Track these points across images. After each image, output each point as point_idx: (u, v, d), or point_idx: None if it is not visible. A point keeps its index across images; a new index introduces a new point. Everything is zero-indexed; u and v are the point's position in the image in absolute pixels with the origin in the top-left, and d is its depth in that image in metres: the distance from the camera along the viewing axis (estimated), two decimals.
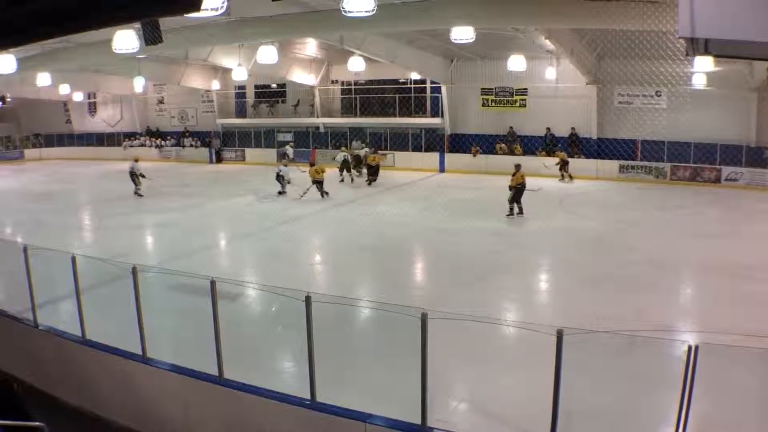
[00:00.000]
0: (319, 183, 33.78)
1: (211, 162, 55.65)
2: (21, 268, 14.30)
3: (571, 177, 39.87)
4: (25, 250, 14.40)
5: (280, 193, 36.26)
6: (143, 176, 37.92)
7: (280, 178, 36.21)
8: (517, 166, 28.46)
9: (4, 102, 56.81)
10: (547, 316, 16.16)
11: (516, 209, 28.21)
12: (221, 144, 57.31)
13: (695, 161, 38.25)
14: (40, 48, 33.59)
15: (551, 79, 41.40)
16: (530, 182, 29.54)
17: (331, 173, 38.15)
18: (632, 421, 10.92)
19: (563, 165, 39.87)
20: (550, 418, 8.87)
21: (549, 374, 8.78)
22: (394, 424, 9.81)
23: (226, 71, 49.05)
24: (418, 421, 9.59)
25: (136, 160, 38.90)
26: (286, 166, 37.13)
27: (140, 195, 37.71)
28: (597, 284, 19.11)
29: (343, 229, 27.74)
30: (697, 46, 6.31)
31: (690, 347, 8.20)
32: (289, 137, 53.28)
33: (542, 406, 8.95)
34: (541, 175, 37.87)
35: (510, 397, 11.98)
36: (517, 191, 28.04)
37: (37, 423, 9.19)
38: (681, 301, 18.49)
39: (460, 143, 46.92)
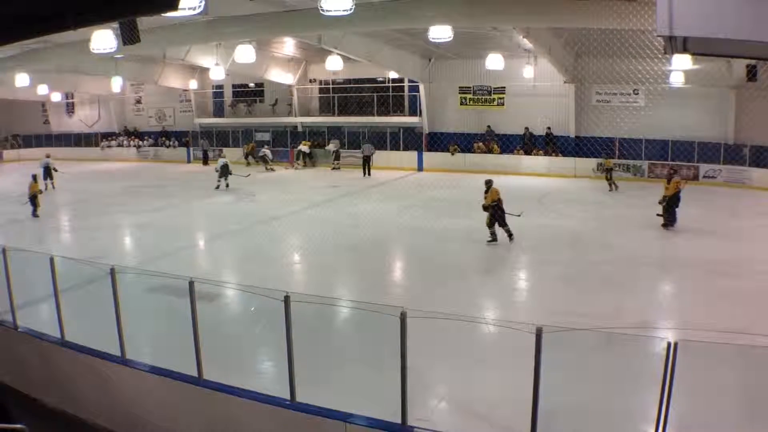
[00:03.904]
0: (33, 197, 32.62)
1: (188, 161, 55.43)
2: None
3: (616, 185, 36.91)
4: (3, 251, 14.32)
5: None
6: (56, 170, 41.34)
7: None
8: (488, 183, 24.93)
9: None
10: (526, 314, 16.14)
11: (504, 233, 24.43)
12: (210, 144, 56.26)
13: (673, 159, 38.36)
14: (19, 48, 33.43)
15: (529, 78, 41.48)
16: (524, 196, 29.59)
17: None
18: (613, 418, 10.93)
19: (609, 172, 37.32)
20: (530, 417, 8.88)
21: (529, 372, 8.78)
22: (375, 423, 9.80)
23: (204, 71, 49.09)
24: (399, 421, 9.59)
25: (48, 156, 43.75)
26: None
27: (53, 188, 40.80)
28: (576, 282, 19.21)
29: (322, 229, 27.60)
30: (676, 44, 6.33)
31: (669, 344, 8.21)
32: (267, 137, 53.44)
33: (522, 405, 8.95)
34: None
35: (490, 396, 11.98)
36: (494, 211, 24.44)
37: (18, 425, 9.14)
38: (660, 299, 18.55)
39: (439, 142, 46.94)
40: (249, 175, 41.65)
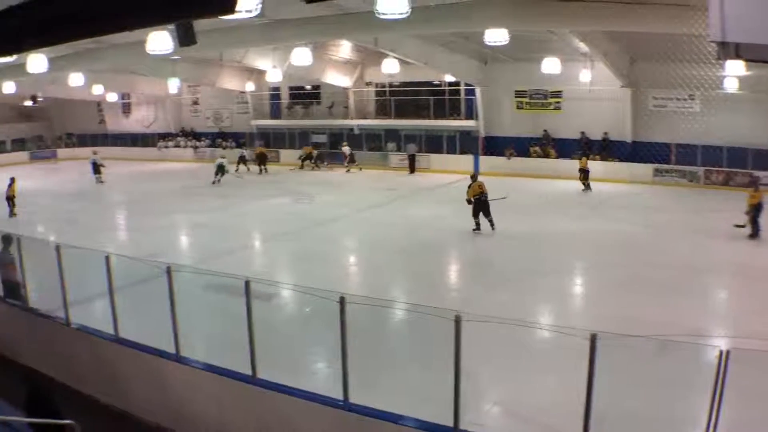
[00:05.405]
0: (10, 198, 32.67)
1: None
2: (53, 266, 14.38)
3: (588, 187, 37.72)
4: (57, 248, 14.47)
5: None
6: (103, 166, 44.98)
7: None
8: (473, 177, 27.33)
9: (34, 101, 57.05)
10: (580, 319, 16.15)
11: (487, 223, 26.54)
12: (252, 144, 55.96)
13: (728, 165, 37.87)
14: (72, 48, 33.71)
15: (585, 82, 40.98)
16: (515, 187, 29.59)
17: None
18: (663, 425, 10.89)
19: (584, 173, 38.03)
20: (582, 422, 8.84)
21: (581, 378, 8.73)
22: (426, 425, 9.79)
23: (261, 73, 49.20)
24: (450, 423, 9.58)
25: (95, 153, 47.72)
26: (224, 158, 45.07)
27: (102, 182, 44.50)
28: (630, 287, 19.03)
29: (377, 231, 27.79)
30: (728, 50, 6.29)
31: (721, 352, 8.13)
32: (323, 138, 53.90)
33: (574, 410, 8.91)
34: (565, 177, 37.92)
35: (542, 401, 11.97)
36: (477, 204, 26.58)
37: (67, 421, 9.24)
38: (715, 306, 18.41)
39: (495, 146, 46.75)
40: (241, 176, 46.50)
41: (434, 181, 42.57)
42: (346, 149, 49.73)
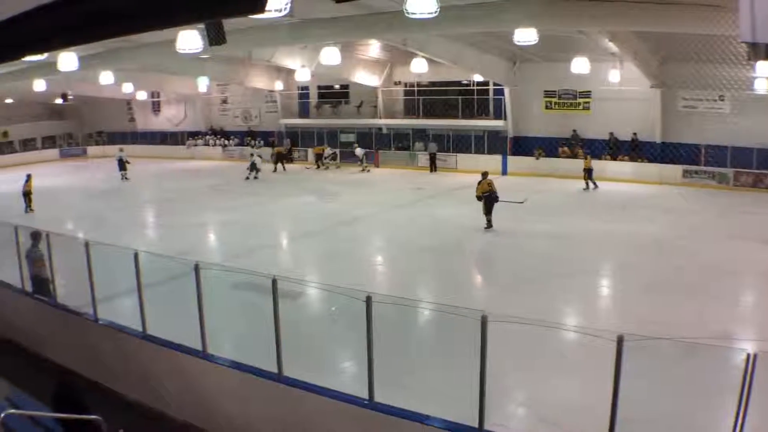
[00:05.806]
0: (26, 194, 33.28)
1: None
2: (82, 263, 14.45)
3: (592, 185, 38.60)
4: (86, 245, 14.53)
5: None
6: (128, 162, 45.86)
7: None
8: (484, 174, 27.56)
9: (65, 99, 57.19)
10: (606, 320, 16.07)
11: (486, 221, 27.06)
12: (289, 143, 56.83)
13: (758, 167, 37.54)
14: (102, 47, 33.85)
15: (615, 82, 40.68)
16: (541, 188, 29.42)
17: None
18: (689, 429, 10.83)
19: (588, 172, 38.60)
20: (608, 425, 8.79)
21: (607, 380, 8.69)
22: (451, 426, 9.75)
23: (290, 72, 49.45)
24: (475, 424, 9.56)
25: (122, 150, 49.36)
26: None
27: (127, 179, 45.27)
28: (659, 289, 18.93)
29: (403, 230, 27.82)
30: (759, 50, 6.27)
31: (748, 355, 8.06)
32: (352, 137, 53.81)
33: (600, 413, 8.87)
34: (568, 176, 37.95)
35: (568, 403, 11.95)
36: (486, 200, 27.02)
37: (93, 416, 9.30)
38: (743, 309, 18.18)
39: (523, 146, 46.64)
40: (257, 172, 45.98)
41: (460, 180, 42.37)
42: (359, 151, 50.21)
